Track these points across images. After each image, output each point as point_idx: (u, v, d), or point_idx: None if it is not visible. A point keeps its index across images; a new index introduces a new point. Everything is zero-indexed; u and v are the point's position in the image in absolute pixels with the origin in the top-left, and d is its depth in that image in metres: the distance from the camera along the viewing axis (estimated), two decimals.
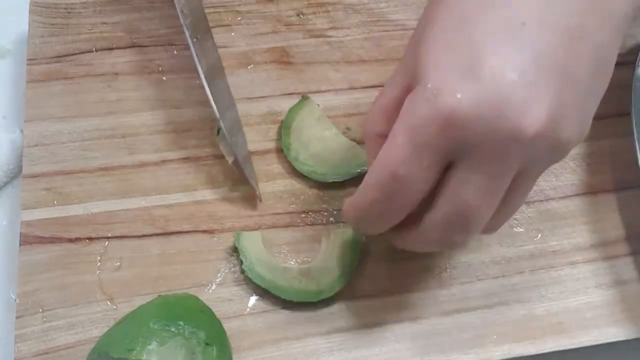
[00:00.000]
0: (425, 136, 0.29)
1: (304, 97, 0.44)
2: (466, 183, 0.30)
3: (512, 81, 0.28)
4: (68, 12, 0.47)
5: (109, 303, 0.38)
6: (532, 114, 0.28)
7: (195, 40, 0.41)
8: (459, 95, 0.28)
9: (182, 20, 0.41)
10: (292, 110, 0.44)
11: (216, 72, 0.43)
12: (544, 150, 0.29)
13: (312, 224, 0.42)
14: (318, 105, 0.44)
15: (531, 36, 0.28)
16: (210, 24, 0.45)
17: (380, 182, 0.31)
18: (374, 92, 0.45)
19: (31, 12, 0.47)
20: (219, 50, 0.45)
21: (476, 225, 0.31)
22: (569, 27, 0.29)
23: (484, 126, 0.28)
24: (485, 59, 0.28)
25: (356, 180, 0.43)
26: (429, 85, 0.29)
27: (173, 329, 0.33)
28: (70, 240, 0.40)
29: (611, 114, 0.47)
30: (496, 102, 0.28)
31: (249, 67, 0.46)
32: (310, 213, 0.42)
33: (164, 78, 0.46)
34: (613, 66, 0.31)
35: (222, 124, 0.40)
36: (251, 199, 0.42)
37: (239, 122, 0.43)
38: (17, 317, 0.37)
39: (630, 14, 0.31)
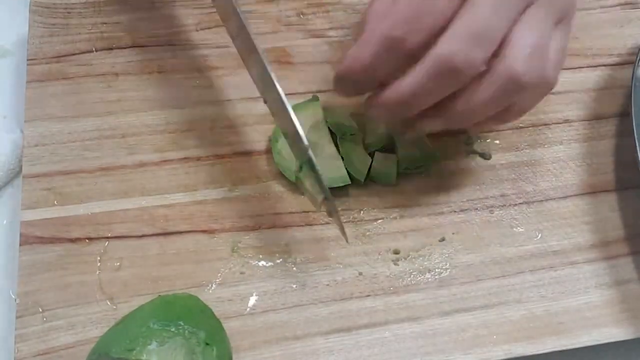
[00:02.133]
0: None
1: (314, 98, 0.44)
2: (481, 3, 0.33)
3: None
4: (68, 12, 0.47)
5: (108, 303, 0.38)
6: None
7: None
8: None
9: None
10: (296, 107, 0.44)
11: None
12: None
13: (312, 224, 0.42)
14: (323, 109, 0.44)
15: None
16: (211, 24, 0.45)
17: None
18: None
19: (31, 12, 0.47)
20: (219, 49, 0.45)
21: (492, 39, 0.33)
22: None
23: None
24: None
25: (348, 187, 0.43)
26: None
27: (173, 329, 0.33)
28: (70, 240, 0.40)
29: (611, 114, 0.47)
30: None
31: None
32: (310, 213, 0.42)
33: (164, 78, 0.45)
34: None
35: (311, 154, 0.36)
36: (251, 199, 0.42)
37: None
38: (17, 317, 0.37)
39: None
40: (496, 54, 0.34)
